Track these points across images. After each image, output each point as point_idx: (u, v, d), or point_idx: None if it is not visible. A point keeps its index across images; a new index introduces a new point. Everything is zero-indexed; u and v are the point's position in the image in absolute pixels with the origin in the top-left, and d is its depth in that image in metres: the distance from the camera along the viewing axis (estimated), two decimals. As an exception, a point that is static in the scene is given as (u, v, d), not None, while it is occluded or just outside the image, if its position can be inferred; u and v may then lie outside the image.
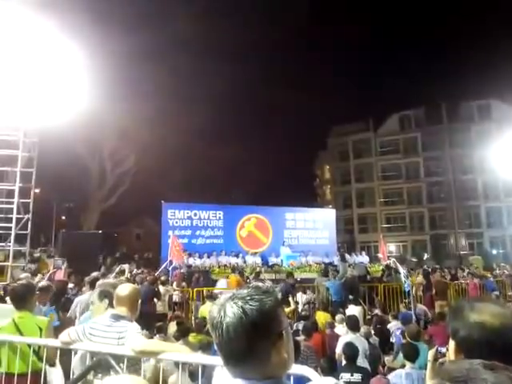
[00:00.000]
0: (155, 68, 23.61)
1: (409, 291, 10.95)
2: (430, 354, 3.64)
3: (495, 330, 1.19)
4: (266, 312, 1.12)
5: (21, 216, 11.34)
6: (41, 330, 3.47)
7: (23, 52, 10.67)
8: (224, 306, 1.14)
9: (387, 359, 6.62)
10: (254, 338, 1.10)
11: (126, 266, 11.88)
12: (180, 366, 2.81)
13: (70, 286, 8.69)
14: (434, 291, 10.79)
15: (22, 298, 3.63)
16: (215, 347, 1.16)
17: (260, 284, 1.22)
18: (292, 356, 1.19)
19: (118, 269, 11.44)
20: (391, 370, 5.54)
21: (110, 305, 3.31)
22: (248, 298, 1.13)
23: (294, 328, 7.22)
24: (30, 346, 3.23)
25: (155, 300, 9.29)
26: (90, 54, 14.02)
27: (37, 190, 17.31)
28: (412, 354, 4.85)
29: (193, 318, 10.14)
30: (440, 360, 3.94)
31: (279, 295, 1.21)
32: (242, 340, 1.09)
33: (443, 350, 4.24)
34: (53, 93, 11.09)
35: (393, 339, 7.67)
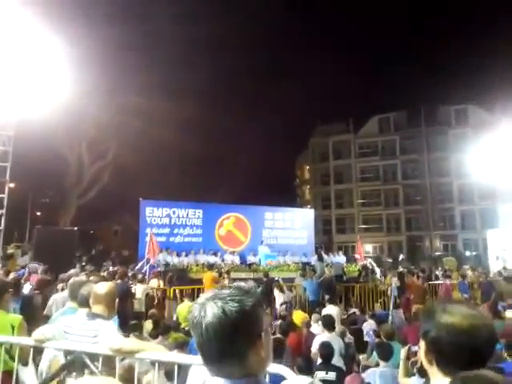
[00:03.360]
0: (135, 61, 23.31)
1: (391, 293, 11.08)
2: (403, 352, 3.72)
3: (464, 331, 1.23)
4: (246, 313, 1.14)
5: (-6, 211, 11.06)
6: (13, 328, 3.40)
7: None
8: (204, 306, 1.15)
9: (362, 357, 6.72)
10: (233, 339, 1.11)
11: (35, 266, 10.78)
12: (156, 365, 2.80)
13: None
14: (410, 295, 10.97)
15: (-6, 295, 3.56)
16: (195, 345, 1.17)
17: (242, 284, 1.23)
18: (270, 356, 1.21)
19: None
20: (366, 368, 5.63)
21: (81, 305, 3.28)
22: (228, 298, 1.15)
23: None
24: (1, 344, 3.16)
25: (136, 296, 9.22)
26: (68, 46, 13.76)
27: (12, 185, 16.90)
28: (386, 353, 4.95)
29: (169, 316, 10.09)
30: (412, 359, 4.04)
31: (260, 296, 1.23)
32: (221, 340, 1.11)
33: (415, 348, 4.33)
34: (29, 85, 10.83)
35: (367, 338, 7.80)
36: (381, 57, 67.88)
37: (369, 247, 40.94)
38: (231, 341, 1.11)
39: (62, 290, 6.65)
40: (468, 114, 39.41)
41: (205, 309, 1.14)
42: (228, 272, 13.05)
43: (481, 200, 36.56)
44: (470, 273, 15.43)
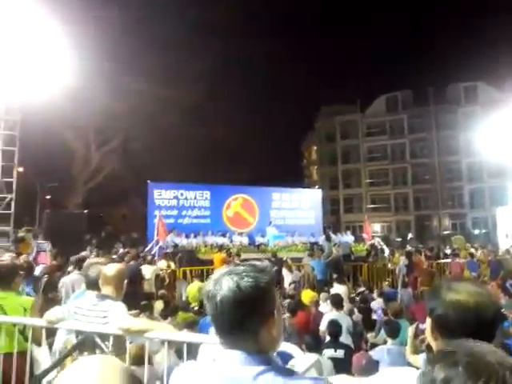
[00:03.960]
0: (144, 45, 23.09)
1: (399, 272, 11.11)
2: (411, 330, 3.74)
3: (470, 309, 1.22)
4: (261, 290, 1.17)
5: (4, 195, 11.17)
6: (25, 310, 3.46)
7: (3, 27, 10.32)
8: (220, 280, 1.18)
9: (370, 336, 6.78)
10: (245, 313, 1.14)
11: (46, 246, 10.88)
12: (166, 344, 2.85)
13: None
14: (418, 274, 10.98)
15: (6, 278, 3.61)
16: (207, 321, 1.20)
17: (257, 262, 1.25)
18: (281, 336, 1.24)
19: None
20: (373, 346, 5.68)
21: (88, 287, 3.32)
22: (244, 274, 1.17)
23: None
24: (15, 325, 3.22)
25: (144, 278, 9.34)
26: (73, 29, 13.66)
27: (20, 169, 17.01)
28: (394, 331, 4.98)
29: (179, 297, 10.22)
30: (421, 337, 4.06)
31: (274, 275, 1.25)
32: (234, 314, 1.13)
33: (423, 326, 4.35)
34: (35, 69, 10.79)
35: (375, 316, 7.86)
36: (389, 34, 66.55)
37: (377, 227, 40.90)
38: (244, 315, 1.14)
39: (69, 273, 6.74)
40: (477, 91, 38.72)
41: (220, 282, 1.17)
42: (238, 254, 13.15)
43: (490, 178, 36.21)
44: (479, 251, 15.38)
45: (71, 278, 6.19)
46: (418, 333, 4.07)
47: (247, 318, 1.15)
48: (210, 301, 1.18)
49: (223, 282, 1.17)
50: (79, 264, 6.35)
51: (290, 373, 1.17)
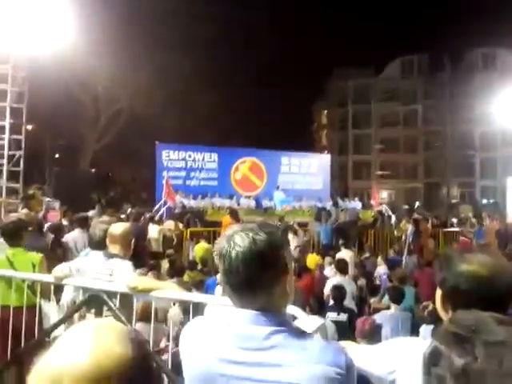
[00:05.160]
0: (152, 10, 22.43)
1: (406, 239, 11.13)
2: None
3: (483, 280, 1.19)
4: (275, 244, 1.16)
5: (13, 153, 11.19)
6: (34, 265, 3.52)
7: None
8: (233, 237, 1.15)
9: (373, 301, 6.86)
10: (261, 268, 1.13)
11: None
12: (173, 304, 2.89)
13: (65, 223, 8.75)
14: (424, 240, 10.98)
15: (14, 234, 3.65)
16: (221, 277, 1.18)
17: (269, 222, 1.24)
18: (292, 294, 1.23)
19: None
20: (376, 310, 5.76)
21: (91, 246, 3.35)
22: (258, 230, 1.16)
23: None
24: (24, 281, 3.28)
25: (149, 238, 9.45)
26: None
27: (29, 127, 16.99)
28: (397, 297, 5.03)
29: (186, 257, 10.37)
30: (424, 303, 4.07)
31: (285, 234, 1.25)
32: (250, 269, 1.12)
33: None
34: (42, 24, 10.53)
35: (379, 282, 7.93)
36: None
37: (385, 194, 40.83)
38: (259, 270, 1.12)
39: (69, 231, 6.82)
40: (495, 57, 37.49)
41: (234, 238, 1.15)
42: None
43: (503, 147, 35.62)
44: (486, 220, 15.31)
45: (73, 236, 6.28)
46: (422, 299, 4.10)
47: (262, 273, 1.13)
48: (223, 258, 1.15)
49: (237, 238, 1.15)
50: (81, 222, 6.43)
51: (302, 334, 1.16)
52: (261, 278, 1.13)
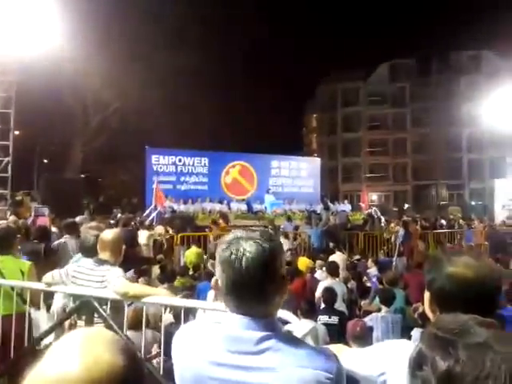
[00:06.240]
0: (144, 8, 22.37)
1: (395, 241, 11.20)
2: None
3: (469, 282, 1.21)
4: (278, 253, 1.17)
5: (0, 159, 11.08)
6: (23, 273, 3.48)
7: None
8: (239, 243, 1.15)
9: (364, 303, 6.89)
10: (268, 276, 1.13)
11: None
12: (162, 309, 2.88)
13: (54, 230, 8.66)
14: (414, 242, 11.02)
15: (3, 242, 3.61)
16: (225, 282, 1.16)
17: (263, 228, 1.27)
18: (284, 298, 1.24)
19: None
20: (367, 313, 5.78)
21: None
22: (264, 238, 1.16)
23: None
24: (13, 288, 3.25)
25: (140, 243, 9.39)
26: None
27: (17, 132, 16.81)
28: (388, 299, 5.05)
29: (177, 262, 10.32)
30: (414, 305, 4.11)
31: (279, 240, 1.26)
32: (259, 276, 1.12)
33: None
34: (29, 28, 10.45)
35: (370, 284, 7.97)
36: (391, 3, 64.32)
37: (374, 196, 41.10)
38: (267, 278, 1.13)
39: (58, 238, 6.75)
40: (481, 60, 38.00)
41: (241, 245, 1.14)
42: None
43: (490, 149, 36.04)
44: (475, 222, 15.49)
45: (58, 241, 6.22)
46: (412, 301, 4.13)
47: (269, 281, 1.14)
48: (232, 265, 1.13)
49: (246, 246, 1.14)
50: (69, 229, 6.38)
51: (292, 339, 1.17)
52: (268, 286, 1.14)
